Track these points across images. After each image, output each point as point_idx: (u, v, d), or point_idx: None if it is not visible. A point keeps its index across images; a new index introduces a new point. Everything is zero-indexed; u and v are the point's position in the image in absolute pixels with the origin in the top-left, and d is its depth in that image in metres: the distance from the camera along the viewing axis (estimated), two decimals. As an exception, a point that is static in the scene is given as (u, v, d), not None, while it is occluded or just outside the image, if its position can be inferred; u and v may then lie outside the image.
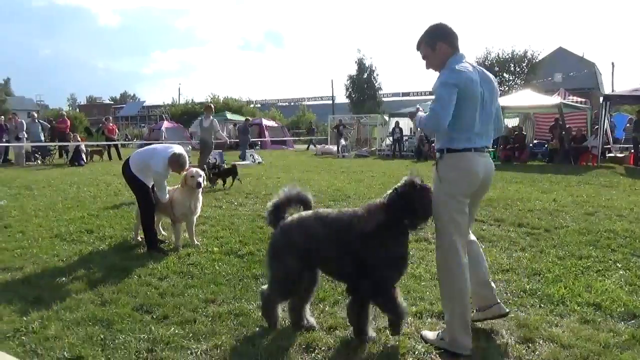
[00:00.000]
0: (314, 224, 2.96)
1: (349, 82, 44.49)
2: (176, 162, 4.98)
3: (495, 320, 3.22)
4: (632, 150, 15.98)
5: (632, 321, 3.21)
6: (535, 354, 2.80)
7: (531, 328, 3.07)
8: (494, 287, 3.11)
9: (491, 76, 2.91)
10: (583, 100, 20.63)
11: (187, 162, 5.13)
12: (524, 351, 2.82)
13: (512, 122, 21.56)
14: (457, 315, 2.76)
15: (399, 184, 2.89)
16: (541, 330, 3.06)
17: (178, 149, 5.10)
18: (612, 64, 49.86)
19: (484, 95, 2.75)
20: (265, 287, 3.21)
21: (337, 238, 2.88)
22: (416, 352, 2.83)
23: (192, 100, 46.23)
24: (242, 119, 33.13)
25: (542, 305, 3.48)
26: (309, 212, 3.10)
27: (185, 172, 5.07)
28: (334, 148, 23.11)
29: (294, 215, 3.13)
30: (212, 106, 10.71)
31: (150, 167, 4.95)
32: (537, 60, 37.29)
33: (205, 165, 9.57)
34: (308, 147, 29.28)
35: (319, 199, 8.18)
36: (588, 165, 15.03)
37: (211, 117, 10.26)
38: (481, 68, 2.90)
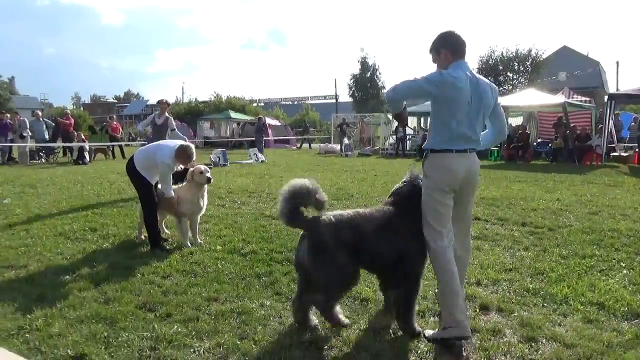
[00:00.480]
0: (361, 220, 3.03)
1: (352, 81, 44.48)
2: (183, 153, 4.97)
3: (498, 320, 3.22)
4: (637, 150, 15.92)
5: (636, 321, 3.20)
6: (538, 353, 2.79)
7: (534, 327, 3.07)
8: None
9: (488, 86, 3.07)
10: (587, 99, 20.56)
11: (194, 154, 5.13)
12: (527, 350, 2.82)
13: (515, 121, 21.50)
14: (448, 298, 2.86)
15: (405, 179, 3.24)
16: (544, 329, 3.06)
17: (184, 142, 5.12)
18: (617, 62, 49.42)
19: (471, 102, 2.93)
20: (306, 295, 3.09)
21: (384, 233, 3.02)
22: (419, 351, 2.83)
23: (196, 99, 46.27)
24: (246, 117, 33.30)
25: (545, 305, 3.47)
26: (346, 210, 3.16)
27: (192, 169, 5.08)
28: (337, 147, 23.13)
29: (333, 213, 3.08)
30: (168, 102, 9.37)
31: (156, 161, 4.94)
32: (541, 59, 37.13)
33: None
34: (301, 145, 29.38)
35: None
36: (592, 165, 14.98)
37: (166, 114, 8.96)
38: (479, 77, 3.06)
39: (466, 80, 2.92)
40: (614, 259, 4.51)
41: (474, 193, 3.23)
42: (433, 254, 2.96)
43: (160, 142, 5.38)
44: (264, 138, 28.04)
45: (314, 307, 3.14)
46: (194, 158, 5.15)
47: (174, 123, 9.05)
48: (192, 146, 5.15)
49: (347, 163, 16.50)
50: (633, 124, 19.08)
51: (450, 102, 2.90)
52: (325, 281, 2.97)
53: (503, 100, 20.28)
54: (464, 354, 2.80)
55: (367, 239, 2.98)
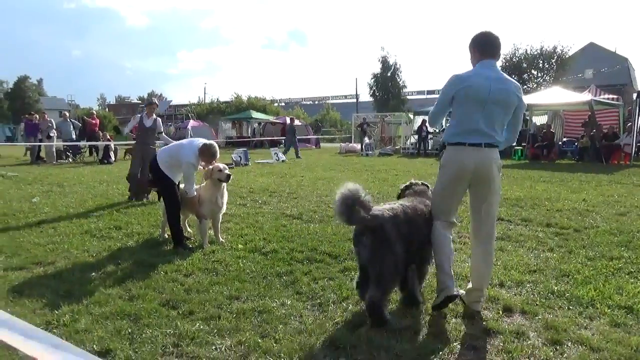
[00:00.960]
0: (412, 214, 3.31)
1: (372, 80, 44.30)
2: (207, 151, 5.03)
3: (522, 322, 3.17)
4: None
5: (666, 325, 3.11)
6: (563, 356, 2.74)
7: (559, 330, 3.01)
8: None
9: (513, 86, 3.22)
10: (615, 96, 20.02)
11: (218, 152, 5.18)
12: (552, 353, 2.76)
13: (540, 120, 21.10)
14: (438, 267, 3.27)
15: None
16: (569, 332, 2.99)
17: (207, 141, 5.20)
18: (647, 59, 47.95)
19: (488, 99, 3.11)
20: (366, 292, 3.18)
21: (425, 226, 3.37)
22: (441, 352, 2.80)
23: (217, 99, 46.79)
24: (267, 117, 33.53)
25: (570, 307, 3.40)
26: (392, 203, 3.42)
27: (210, 167, 5.13)
28: (358, 146, 23.07)
29: (385, 207, 3.29)
30: (157, 103, 8.92)
31: (180, 159, 5.01)
32: (567, 56, 36.31)
33: (144, 177, 8.02)
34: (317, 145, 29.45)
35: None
36: (620, 164, 14.61)
37: (154, 116, 8.43)
38: (505, 77, 3.22)
39: (486, 78, 3.12)
40: (643, 261, 4.39)
41: (492, 191, 3.25)
42: (434, 239, 3.33)
43: (183, 141, 5.44)
44: (285, 138, 28.30)
45: (369, 303, 3.12)
46: (218, 157, 5.21)
47: (162, 126, 8.63)
48: (216, 144, 5.21)
49: (368, 162, 16.45)
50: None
51: (463, 99, 3.16)
52: (385, 275, 3.11)
53: (527, 99, 19.92)
54: (487, 356, 2.77)
55: (419, 230, 3.31)
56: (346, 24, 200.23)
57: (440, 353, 2.79)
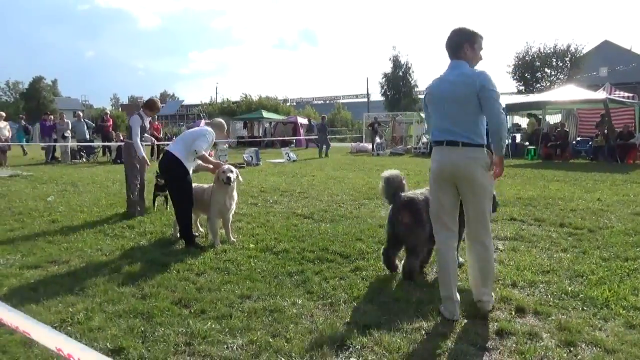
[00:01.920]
0: (428, 198, 3.69)
1: (384, 79, 44.18)
2: (220, 125, 5.56)
3: (535, 323, 3.14)
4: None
5: (683, 327, 3.05)
6: (577, 358, 2.71)
7: (573, 331, 2.98)
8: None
9: (461, 79, 3.15)
10: (630, 95, 19.73)
11: (225, 124, 5.75)
12: (565, 355, 2.73)
13: (553, 119, 20.86)
14: (441, 284, 3.32)
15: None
16: (583, 333, 2.96)
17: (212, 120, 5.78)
18: (663, 56, 47.13)
19: (442, 99, 3.23)
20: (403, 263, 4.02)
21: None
22: (452, 353, 2.79)
23: (229, 99, 46.98)
24: (278, 117, 33.58)
25: (584, 308, 3.36)
26: (423, 190, 4.15)
27: (218, 169, 5.17)
28: (369, 146, 23.02)
29: (416, 192, 4.10)
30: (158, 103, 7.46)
31: (196, 138, 5.15)
32: (581, 54, 35.89)
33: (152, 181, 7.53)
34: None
35: (354, 197, 8.17)
36: (635, 163, 14.38)
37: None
38: (459, 72, 3.18)
39: (441, 80, 3.27)
40: (659, 262, 4.32)
41: (473, 191, 3.18)
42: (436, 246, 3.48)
43: (187, 131, 5.66)
44: (296, 137, 28.34)
45: (408, 269, 3.95)
46: (226, 127, 5.76)
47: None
48: (222, 120, 5.79)
49: (379, 162, 16.40)
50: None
51: (428, 103, 3.39)
52: (421, 245, 3.97)
53: (540, 97, 19.75)
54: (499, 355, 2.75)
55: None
56: (356, 23, 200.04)
57: (451, 354, 2.78)
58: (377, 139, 22.44)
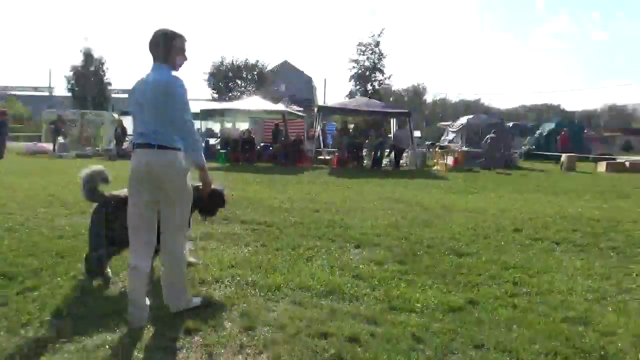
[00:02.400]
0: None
1: (72, 73, 40.07)
2: None
3: (220, 315, 3.32)
4: (337, 153, 19.08)
5: (332, 296, 3.77)
6: (256, 339, 2.97)
7: (252, 317, 3.27)
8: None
9: (154, 84, 3.11)
10: (302, 109, 23.58)
11: None
12: (245, 338, 2.98)
13: (243, 126, 22.97)
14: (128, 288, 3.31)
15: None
16: (260, 317, 3.29)
17: None
18: (325, 80, 58.32)
19: (142, 101, 3.18)
20: None
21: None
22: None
23: None
24: None
25: (262, 294, 3.74)
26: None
27: None
28: (50, 146, 20.30)
29: (121, 192, 3.90)
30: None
31: None
32: (266, 70, 41.08)
33: None
34: None
35: (28, 205, 6.97)
36: (305, 166, 17.22)
37: None
38: (157, 77, 3.14)
39: (142, 81, 3.21)
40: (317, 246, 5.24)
41: (165, 195, 3.18)
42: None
43: None
44: None
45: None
46: None
47: None
48: None
49: (62, 165, 14.54)
50: (336, 132, 22.83)
51: (130, 104, 3.33)
52: (117, 237, 3.81)
53: (231, 105, 21.42)
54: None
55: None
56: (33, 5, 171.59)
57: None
58: (60, 139, 19.96)
